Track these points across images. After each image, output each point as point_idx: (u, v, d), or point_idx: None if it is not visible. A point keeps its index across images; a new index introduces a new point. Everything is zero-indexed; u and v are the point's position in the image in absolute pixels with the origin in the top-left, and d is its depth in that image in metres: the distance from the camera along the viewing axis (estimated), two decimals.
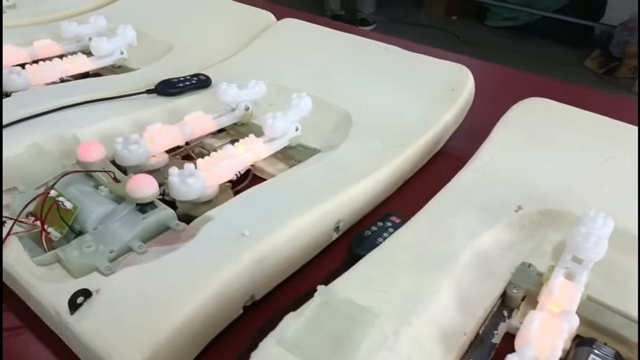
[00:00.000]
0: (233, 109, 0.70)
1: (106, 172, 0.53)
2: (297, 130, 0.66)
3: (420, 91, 0.74)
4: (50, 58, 0.80)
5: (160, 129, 0.61)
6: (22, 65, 0.77)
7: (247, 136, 0.66)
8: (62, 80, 0.80)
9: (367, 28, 3.52)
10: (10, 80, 0.73)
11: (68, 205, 0.49)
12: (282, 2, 1.25)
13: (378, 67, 0.79)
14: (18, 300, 0.46)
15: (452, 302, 0.43)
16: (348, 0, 3.64)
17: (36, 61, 0.80)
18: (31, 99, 0.68)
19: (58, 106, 0.65)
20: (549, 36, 3.49)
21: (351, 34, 0.89)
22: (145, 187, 0.49)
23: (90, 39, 0.87)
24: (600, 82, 2.90)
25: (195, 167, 0.56)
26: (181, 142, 0.64)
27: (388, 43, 0.85)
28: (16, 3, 1.04)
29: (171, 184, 0.54)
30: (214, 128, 0.68)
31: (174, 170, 0.55)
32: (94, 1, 1.07)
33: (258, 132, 0.66)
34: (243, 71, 0.80)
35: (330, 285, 0.41)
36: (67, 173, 0.51)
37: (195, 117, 0.65)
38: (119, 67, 0.87)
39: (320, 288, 0.39)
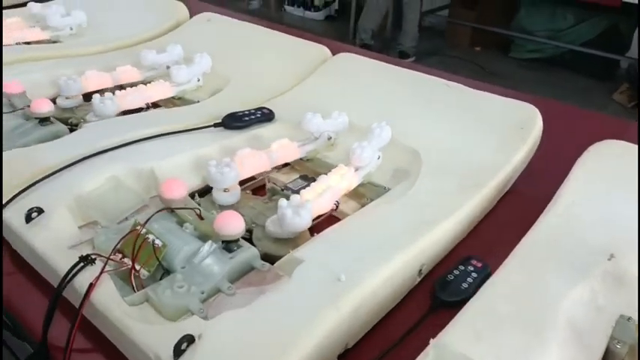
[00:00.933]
0: (316, 138, 0.70)
1: (192, 209, 0.52)
2: (378, 158, 0.66)
3: (487, 129, 0.73)
4: (133, 84, 0.83)
5: (249, 154, 0.61)
6: (100, 91, 0.80)
7: (316, 171, 0.66)
8: (147, 106, 0.82)
9: (407, 61, 3.55)
10: (105, 106, 0.74)
11: (158, 242, 0.48)
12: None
13: (441, 104, 0.79)
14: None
15: None
16: (379, 30, 3.68)
17: (119, 87, 0.82)
18: (105, 130, 0.69)
19: (134, 139, 0.65)
20: (575, 68, 3.48)
21: (409, 69, 0.89)
22: (233, 224, 0.49)
23: (168, 67, 0.89)
24: (630, 116, 2.88)
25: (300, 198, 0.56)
26: (268, 168, 0.65)
27: (445, 78, 0.85)
28: (76, 32, 1.07)
29: (283, 217, 0.53)
30: (298, 156, 0.69)
31: (283, 202, 0.54)
32: (148, 31, 1.10)
33: (325, 167, 0.66)
34: (303, 105, 0.80)
35: (439, 338, 0.39)
36: (159, 211, 0.50)
37: (282, 145, 0.66)
38: (179, 98, 0.88)
39: (432, 342, 0.38)
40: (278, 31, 1.06)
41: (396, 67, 0.90)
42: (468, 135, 0.72)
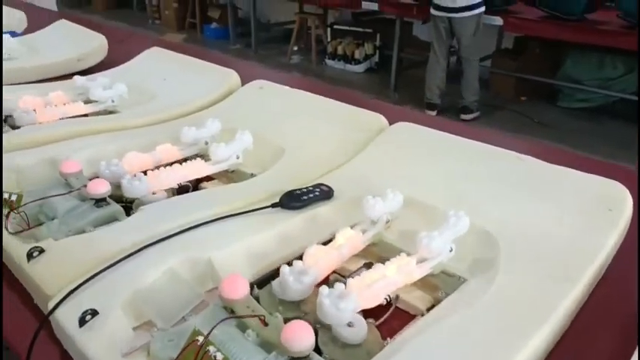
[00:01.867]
0: (374, 223, 0.65)
1: (256, 316, 0.47)
2: (451, 251, 0.60)
3: (569, 210, 0.66)
4: (171, 163, 0.80)
5: (320, 252, 0.57)
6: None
7: (382, 257, 0.61)
8: (179, 186, 0.79)
9: (470, 116, 3.48)
10: (133, 187, 0.72)
11: (219, 356, 0.43)
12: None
13: (514, 180, 0.73)
14: None
15: None
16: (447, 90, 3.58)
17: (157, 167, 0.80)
18: (161, 213, 0.66)
19: (190, 224, 0.62)
20: (626, 117, 3.36)
21: (474, 140, 0.83)
22: (303, 337, 0.44)
23: (206, 143, 0.87)
24: None
25: (345, 287, 0.50)
26: (338, 266, 0.59)
27: (509, 139, 0.79)
28: (118, 104, 1.08)
29: (321, 306, 0.48)
30: (362, 246, 0.63)
31: (324, 290, 0.49)
32: (197, 100, 1.10)
33: (394, 252, 0.61)
34: (364, 180, 0.76)
35: None
36: (222, 321, 0.46)
37: (347, 237, 0.61)
38: (232, 171, 0.86)
39: None
40: (332, 96, 1.03)
41: (460, 137, 0.84)
42: (548, 217, 0.65)
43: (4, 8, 2.00)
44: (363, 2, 3.88)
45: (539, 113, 3.61)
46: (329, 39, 4.81)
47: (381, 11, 4.00)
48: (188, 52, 1.38)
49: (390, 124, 0.92)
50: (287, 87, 1.10)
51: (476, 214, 0.66)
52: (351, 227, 0.64)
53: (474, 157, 0.80)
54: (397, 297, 0.57)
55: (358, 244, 0.62)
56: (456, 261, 0.61)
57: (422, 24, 3.95)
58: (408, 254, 0.58)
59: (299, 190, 0.72)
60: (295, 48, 5.11)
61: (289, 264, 0.54)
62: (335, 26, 4.86)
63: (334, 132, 0.92)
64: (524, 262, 0.59)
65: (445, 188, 0.73)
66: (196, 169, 0.82)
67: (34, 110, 0.98)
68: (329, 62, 4.75)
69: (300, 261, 0.55)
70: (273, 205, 0.70)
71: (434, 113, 3.55)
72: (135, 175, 0.73)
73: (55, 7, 3.94)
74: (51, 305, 0.52)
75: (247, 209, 0.68)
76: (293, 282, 0.52)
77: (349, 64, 4.59)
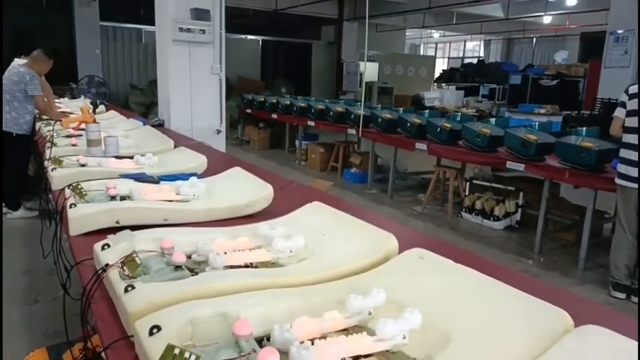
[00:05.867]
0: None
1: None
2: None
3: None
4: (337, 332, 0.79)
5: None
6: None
7: None
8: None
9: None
10: (301, 356, 0.70)
11: None
12: None
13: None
14: None
15: None
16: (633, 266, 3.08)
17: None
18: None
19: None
20: None
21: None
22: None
23: (369, 313, 0.85)
24: None
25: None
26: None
27: None
28: (295, 254, 1.13)
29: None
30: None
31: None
32: (358, 261, 1.10)
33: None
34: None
35: None
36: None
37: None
38: (394, 352, 0.80)
39: None
40: (514, 284, 0.96)
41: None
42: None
43: (192, 153, 2.36)
44: (508, 163, 3.85)
45: None
46: (466, 192, 4.78)
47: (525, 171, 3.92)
48: (343, 207, 1.44)
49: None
50: (450, 261, 1.06)
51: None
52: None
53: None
54: None
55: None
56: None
57: (574, 188, 3.75)
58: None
59: None
60: (431, 198, 5.15)
61: None
62: (474, 181, 4.85)
63: (512, 326, 0.83)
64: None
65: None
66: (361, 345, 0.78)
67: (225, 253, 1.10)
68: (465, 215, 4.66)
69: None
70: None
71: (623, 296, 3.10)
72: (303, 343, 0.73)
73: (224, 146, 4.58)
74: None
75: None
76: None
77: (487, 219, 4.44)
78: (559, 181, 3.70)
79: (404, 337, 0.80)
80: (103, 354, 0.85)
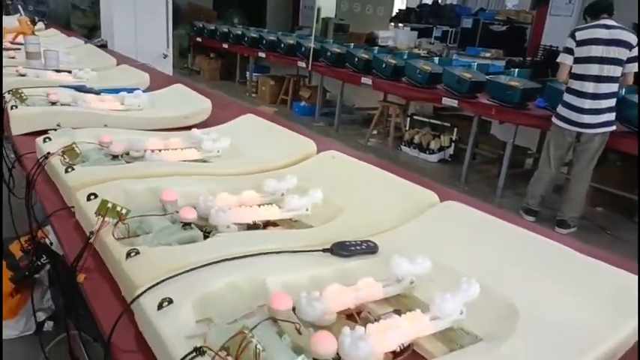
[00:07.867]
0: (399, 280, 0.75)
1: (293, 323, 0.58)
2: (461, 313, 0.68)
3: (592, 296, 0.72)
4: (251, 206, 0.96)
5: (338, 290, 0.67)
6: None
7: (409, 308, 0.69)
8: (253, 223, 0.94)
9: (566, 231, 3.31)
10: (218, 216, 0.88)
11: (260, 347, 0.54)
12: None
13: (546, 264, 0.80)
14: None
15: None
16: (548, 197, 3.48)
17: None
18: (232, 241, 0.81)
19: (254, 252, 0.75)
20: None
21: (516, 227, 0.91)
22: (327, 345, 0.54)
23: (282, 194, 1.03)
24: None
25: (365, 331, 0.59)
26: (352, 305, 0.69)
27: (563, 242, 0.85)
28: (221, 154, 1.29)
29: (343, 344, 0.56)
30: (381, 296, 0.72)
31: (346, 330, 0.58)
32: (279, 161, 1.27)
33: (420, 306, 0.69)
34: (407, 244, 0.86)
35: None
36: (266, 319, 0.57)
37: (367, 283, 0.71)
38: (296, 220, 0.99)
39: None
40: (394, 173, 1.16)
41: (506, 223, 0.93)
42: (571, 299, 0.72)
43: (134, 70, 2.41)
44: (443, 99, 4.09)
45: (614, 226, 3.48)
46: (407, 127, 5.04)
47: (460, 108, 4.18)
48: (276, 122, 1.60)
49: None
50: (355, 159, 1.25)
51: (505, 288, 0.74)
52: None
53: (512, 240, 0.87)
54: (410, 346, 0.65)
55: (377, 293, 0.71)
56: (478, 323, 0.68)
57: (499, 124, 4.06)
58: (429, 311, 0.67)
59: (349, 242, 0.84)
60: (374, 132, 5.39)
61: None
62: (415, 116, 5.10)
63: (390, 202, 1.04)
64: (538, 332, 0.65)
65: (480, 265, 0.81)
66: (270, 212, 0.96)
67: (160, 150, 1.24)
68: (404, 149, 4.94)
69: (317, 292, 0.65)
70: (324, 250, 0.82)
71: (532, 219, 3.43)
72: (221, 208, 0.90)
73: (171, 74, 4.55)
74: (138, 292, 0.66)
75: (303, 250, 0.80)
76: (305, 305, 0.63)
77: (424, 152, 4.75)
78: (486, 116, 4.00)
79: (307, 210, 0.99)
80: (48, 220, 0.99)
